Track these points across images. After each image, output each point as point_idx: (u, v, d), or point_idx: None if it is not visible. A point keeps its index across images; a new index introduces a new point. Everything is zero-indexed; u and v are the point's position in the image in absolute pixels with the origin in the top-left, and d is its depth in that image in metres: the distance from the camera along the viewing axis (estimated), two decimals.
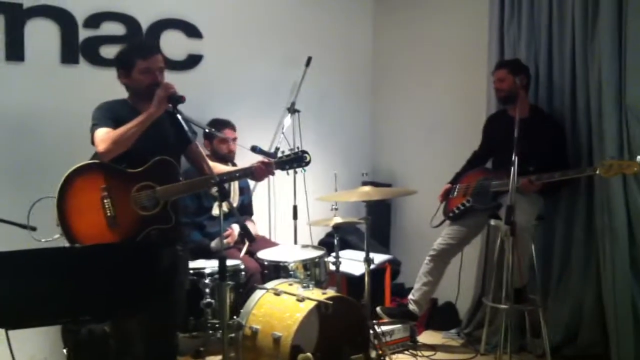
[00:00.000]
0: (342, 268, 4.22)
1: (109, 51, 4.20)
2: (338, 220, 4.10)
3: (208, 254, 4.16)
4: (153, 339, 3.09)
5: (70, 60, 4.21)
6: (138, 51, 3.16)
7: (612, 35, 3.79)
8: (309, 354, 3.29)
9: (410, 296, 4.47)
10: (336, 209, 4.19)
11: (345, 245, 4.99)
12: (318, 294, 3.53)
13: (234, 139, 4.51)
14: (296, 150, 3.25)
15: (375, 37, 5.80)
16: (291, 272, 4.03)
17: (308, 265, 4.12)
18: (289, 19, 5.24)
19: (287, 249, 4.40)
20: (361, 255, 4.19)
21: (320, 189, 4.92)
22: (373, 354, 3.83)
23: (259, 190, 4.96)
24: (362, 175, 4.68)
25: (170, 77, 3.22)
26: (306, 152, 3.22)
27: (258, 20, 5.06)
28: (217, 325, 3.78)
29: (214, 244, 4.24)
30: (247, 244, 4.26)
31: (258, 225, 4.83)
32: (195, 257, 4.03)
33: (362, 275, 4.12)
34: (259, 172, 3.19)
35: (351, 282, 4.58)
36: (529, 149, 3.62)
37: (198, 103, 4.24)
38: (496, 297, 4.19)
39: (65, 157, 3.18)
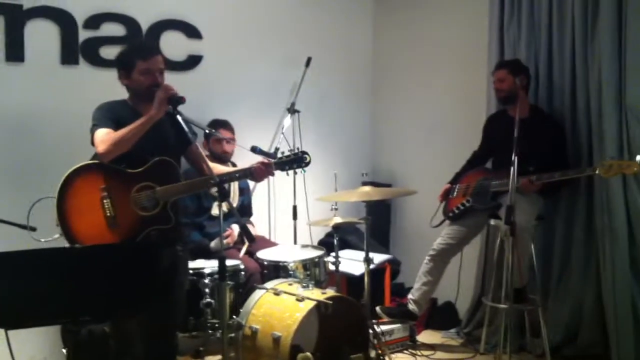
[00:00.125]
0: (342, 268, 4.22)
1: (109, 52, 4.20)
2: (338, 220, 4.10)
3: (208, 254, 4.16)
4: (153, 339, 3.10)
5: (70, 61, 4.21)
6: (138, 52, 3.17)
7: (612, 35, 3.79)
8: (308, 354, 3.29)
9: (410, 296, 4.48)
10: (336, 209, 4.19)
11: (345, 245, 4.99)
12: (318, 294, 3.53)
13: (230, 140, 4.48)
14: (296, 150, 3.25)
15: (375, 37, 5.80)
16: (291, 272, 4.04)
17: (308, 265, 4.12)
18: (289, 20, 5.24)
19: (287, 249, 4.40)
20: (361, 255, 4.19)
21: (320, 189, 4.92)
22: (372, 353, 3.83)
23: (259, 190, 4.96)
24: (362, 175, 4.67)
25: (170, 78, 3.23)
26: (306, 153, 3.22)
27: (258, 21, 5.06)
28: (216, 325, 3.78)
29: (213, 244, 4.24)
30: (246, 244, 4.26)
31: (258, 225, 4.83)
32: (195, 257, 4.03)
33: (362, 275, 4.12)
34: (259, 173, 3.19)
35: (351, 282, 4.59)
36: (528, 149, 3.62)
37: (198, 103, 4.24)
38: (496, 297, 4.19)
39: (65, 158, 3.18)
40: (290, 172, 3.30)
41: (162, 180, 3.06)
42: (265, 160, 3.24)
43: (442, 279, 4.42)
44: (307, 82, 4.99)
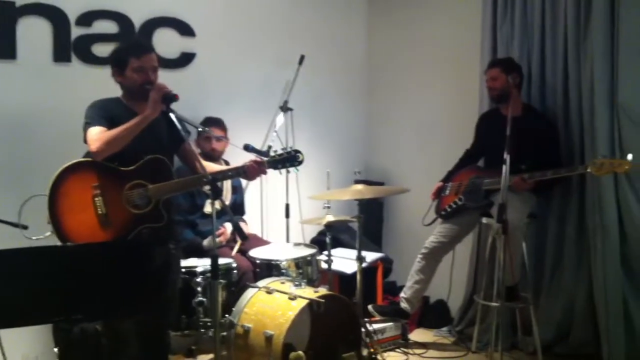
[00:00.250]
0: (334, 266, 4.23)
1: (101, 49, 4.19)
2: (330, 218, 4.10)
3: (200, 253, 4.15)
4: (145, 338, 3.09)
5: (63, 59, 4.18)
6: (132, 50, 3.16)
7: (605, 34, 3.80)
8: (300, 352, 3.29)
9: (402, 294, 4.49)
10: (328, 207, 4.19)
11: (338, 243, 4.99)
12: (310, 292, 3.53)
13: (221, 138, 4.47)
14: (289, 149, 3.24)
15: (369, 36, 5.80)
16: (283, 271, 4.03)
17: (300, 263, 4.11)
18: (283, 18, 5.24)
19: (279, 247, 4.39)
20: (353, 253, 4.20)
21: (312, 187, 4.91)
22: (365, 352, 3.84)
23: (252, 188, 4.95)
24: (354, 173, 4.67)
25: (163, 75, 3.22)
26: (299, 152, 3.21)
27: (251, 19, 5.06)
28: (209, 324, 3.77)
29: (206, 242, 4.24)
30: (239, 242, 4.26)
31: (250, 224, 4.83)
32: (188, 256, 4.02)
33: (354, 274, 4.13)
34: (252, 171, 3.19)
35: (343, 280, 4.59)
36: (521, 147, 3.63)
37: (191, 101, 4.23)
38: (487, 295, 4.20)
39: (57, 155, 3.17)
40: (283, 170, 3.30)
41: (154, 178, 3.05)
42: (258, 159, 3.23)
43: (434, 277, 4.42)
44: (301, 80, 4.98)
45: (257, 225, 5.01)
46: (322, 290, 3.65)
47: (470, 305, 4.68)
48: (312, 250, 4.25)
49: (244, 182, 4.78)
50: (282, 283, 3.74)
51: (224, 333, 3.57)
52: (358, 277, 4.05)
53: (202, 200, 4.39)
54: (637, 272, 3.77)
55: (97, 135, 2.99)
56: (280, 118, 4.81)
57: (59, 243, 2.92)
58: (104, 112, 3.10)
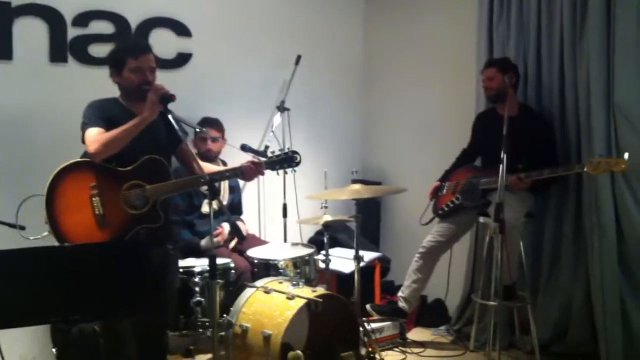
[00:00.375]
0: (332, 266, 4.22)
1: (98, 50, 4.18)
2: (328, 218, 4.10)
3: (198, 253, 4.15)
4: (143, 338, 3.09)
5: (59, 59, 4.17)
6: (129, 50, 3.16)
7: (601, 34, 3.81)
8: (299, 352, 3.30)
9: (400, 293, 4.49)
10: (326, 207, 4.19)
11: (335, 243, 4.99)
12: (308, 292, 3.53)
13: (215, 138, 4.46)
14: (287, 150, 3.24)
15: (366, 36, 5.80)
16: (281, 270, 4.03)
17: (298, 263, 4.12)
18: (280, 18, 5.23)
19: (277, 247, 4.40)
20: (351, 253, 4.20)
21: (310, 187, 4.92)
22: (363, 351, 3.84)
23: (249, 188, 4.96)
24: (352, 173, 4.67)
25: (159, 76, 3.22)
26: (296, 153, 3.21)
27: (248, 19, 5.05)
28: (207, 324, 3.77)
29: (204, 242, 4.23)
30: (235, 239, 4.27)
31: (248, 224, 4.82)
32: (185, 256, 4.02)
33: (352, 273, 4.13)
34: (249, 172, 3.19)
35: (341, 280, 4.59)
36: (517, 146, 3.64)
37: (188, 102, 4.21)
38: (485, 294, 4.20)
39: (54, 156, 3.16)
40: (281, 171, 3.30)
41: (152, 178, 3.05)
42: (256, 160, 3.23)
43: (431, 276, 4.43)
44: (298, 80, 4.98)
45: (255, 225, 5.01)
46: (320, 290, 3.65)
47: (467, 304, 4.69)
48: (309, 250, 4.25)
49: (241, 182, 4.78)
50: (280, 283, 3.74)
51: (222, 333, 3.56)
52: (356, 276, 4.05)
53: (199, 200, 4.39)
54: (634, 271, 3.77)
55: (95, 136, 2.99)
56: (277, 118, 4.82)
57: (56, 243, 2.92)
58: (101, 113, 3.09)
